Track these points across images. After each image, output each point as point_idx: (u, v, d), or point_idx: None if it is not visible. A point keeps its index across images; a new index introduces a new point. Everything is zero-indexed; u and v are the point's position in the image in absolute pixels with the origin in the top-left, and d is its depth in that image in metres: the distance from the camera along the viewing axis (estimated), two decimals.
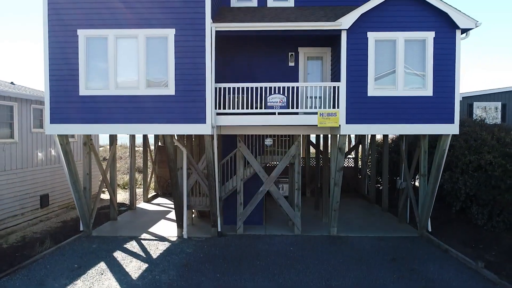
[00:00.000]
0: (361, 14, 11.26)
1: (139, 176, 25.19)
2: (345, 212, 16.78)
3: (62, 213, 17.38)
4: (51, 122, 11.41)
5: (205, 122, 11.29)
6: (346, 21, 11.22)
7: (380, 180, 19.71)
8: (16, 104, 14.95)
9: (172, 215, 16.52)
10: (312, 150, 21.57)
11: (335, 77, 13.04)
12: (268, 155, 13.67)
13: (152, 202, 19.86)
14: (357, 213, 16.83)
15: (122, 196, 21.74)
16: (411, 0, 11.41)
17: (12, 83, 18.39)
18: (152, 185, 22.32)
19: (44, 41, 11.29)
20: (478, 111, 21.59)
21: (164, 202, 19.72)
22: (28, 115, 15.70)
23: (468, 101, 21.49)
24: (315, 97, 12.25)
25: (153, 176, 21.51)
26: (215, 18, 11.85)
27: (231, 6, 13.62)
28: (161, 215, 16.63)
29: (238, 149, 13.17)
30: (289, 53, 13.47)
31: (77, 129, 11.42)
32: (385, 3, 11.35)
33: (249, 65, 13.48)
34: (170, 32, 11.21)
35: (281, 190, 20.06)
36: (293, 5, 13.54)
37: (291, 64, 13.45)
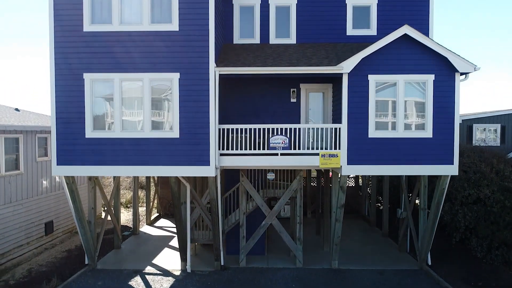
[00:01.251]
0: (362, 58, 11.45)
1: (141, 193, 25.43)
2: (345, 237, 16.99)
3: (66, 238, 17.61)
4: (58, 164, 11.62)
5: (209, 165, 11.50)
6: (347, 65, 11.42)
7: (381, 199, 19.94)
8: (21, 135, 15.16)
9: (175, 241, 16.74)
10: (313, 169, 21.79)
11: (336, 113, 13.25)
12: (270, 189, 13.87)
13: (155, 224, 20.08)
14: (357, 239, 17.03)
15: (125, 216, 21.98)
16: (411, 45, 11.59)
17: (16, 109, 18.60)
18: (155, 203, 22.55)
19: (51, 84, 11.49)
20: (478, 132, 21.81)
21: (167, 225, 19.94)
22: (33, 145, 15.91)
23: (468, 123, 21.71)
24: (317, 138, 12.43)
25: (156, 197, 21.74)
26: (219, 59, 12.06)
27: (234, 43, 13.80)
28: (165, 241, 16.85)
29: (241, 183, 13.39)
30: (291, 89, 13.68)
31: (83, 171, 11.62)
32: (386, 47, 11.55)
33: (251, 100, 13.69)
34: (175, 76, 11.41)
35: (283, 212, 20.36)
36: (295, 42, 13.72)
37: (293, 100, 13.66)
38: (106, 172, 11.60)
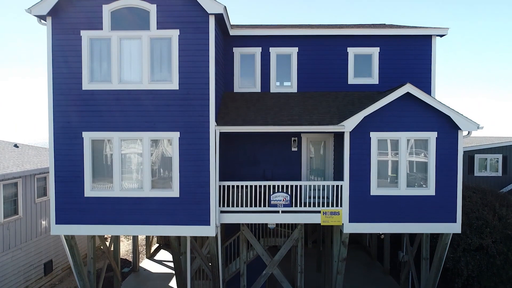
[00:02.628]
0: (365, 117, 11.32)
1: None
2: (346, 272, 16.83)
3: (65, 276, 17.51)
4: (56, 223, 11.51)
5: (209, 224, 11.38)
6: (349, 125, 11.30)
7: None
8: (20, 179, 15.05)
9: (175, 282, 16.62)
10: None
11: (338, 163, 13.14)
12: (271, 237, 13.78)
13: (155, 258, 19.97)
14: (358, 275, 16.90)
15: (125, 246, 21.87)
16: (414, 102, 11.47)
17: (15, 145, 18.48)
18: None
19: (50, 142, 11.37)
20: (479, 163, 21.68)
21: (167, 258, 19.82)
22: (32, 187, 15.80)
23: (469, 153, 21.59)
24: (318, 195, 12.30)
25: None
26: (219, 114, 11.94)
27: (234, 91, 13.67)
28: (165, 281, 16.74)
29: (242, 232, 13.28)
30: (292, 138, 13.56)
31: (83, 230, 11.51)
32: (388, 105, 11.42)
33: (252, 149, 13.58)
34: (175, 135, 11.29)
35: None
36: (296, 91, 13.60)
37: (294, 149, 13.55)
38: (105, 231, 11.48)
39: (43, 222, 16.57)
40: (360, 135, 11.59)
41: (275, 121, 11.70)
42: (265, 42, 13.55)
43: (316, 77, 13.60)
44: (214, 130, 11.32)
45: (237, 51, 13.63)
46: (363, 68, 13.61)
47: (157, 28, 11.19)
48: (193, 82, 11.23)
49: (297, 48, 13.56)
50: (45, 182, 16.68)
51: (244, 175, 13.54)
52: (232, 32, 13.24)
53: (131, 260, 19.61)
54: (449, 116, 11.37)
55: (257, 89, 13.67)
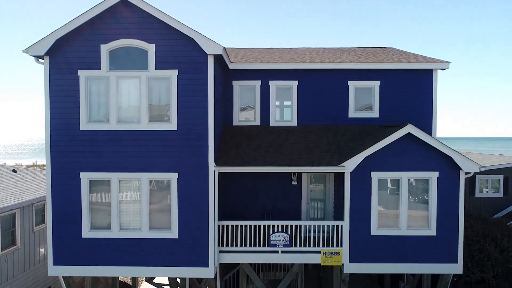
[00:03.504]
0: (365, 157, 11.21)
1: None
2: None
3: None
4: (54, 264, 11.40)
5: (208, 266, 11.27)
6: (349, 165, 11.18)
7: None
8: (18, 210, 14.92)
9: None
10: None
11: (338, 199, 13.05)
12: (271, 271, 13.67)
13: (154, 281, 19.83)
14: None
15: None
16: (415, 143, 11.36)
17: (14, 170, 18.37)
18: None
19: (48, 183, 11.26)
20: (481, 184, 21.56)
21: (166, 282, 19.68)
22: (30, 216, 15.67)
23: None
24: (318, 230, 12.18)
25: None
26: (218, 153, 11.82)
27: (234, 124, 13.54)
28: None
29: (241, 266, 13.17)
30: (292, 172, 13.43)
31: (80, 271, 11.41)
32: (389, 145, 11.30)
33: (252, 183, 13.44)
34: (173, 176, 11.18)
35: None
36: (296, 124, 13.47)
37: (294, 183, 13.41)
38: (103, 272, 11.39)
39: (41, 250, 16.44)
40: (361, 175, 11.47)
41: (275, 160, 11.59)
42: (265, 75, 13.42)
43: (316, 110, 13.47)
44: (213, 171, 11.20)
45: (237, 84, 13.51)
46: (363, 101, 13.48)
47: (156, 68, 11.07)
48: (192, 122, 11.11)
49: (297, 81, 13.43)
50: (43, 209, 16.55)
51: (244, 209, 13.42)
52: (232, 66, 13.11)
53: (130, 283, 19.49)
54: (450, 157, 11.25)
55: (257, 122, 13.54)
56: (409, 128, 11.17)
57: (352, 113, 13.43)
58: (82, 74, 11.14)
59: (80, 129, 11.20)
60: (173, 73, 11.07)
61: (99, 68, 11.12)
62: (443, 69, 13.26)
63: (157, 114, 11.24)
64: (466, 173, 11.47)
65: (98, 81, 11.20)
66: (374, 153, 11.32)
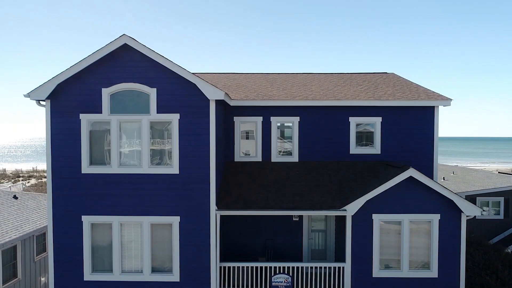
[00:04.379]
0: (367, 201, 11.21)
1: None
2: None
3: None
4: None
5: None
6: (351, 209, 11.18)
7: None
8: (19, 242, 14.92)
9: None
10: None
11: (339, 235, 13.05)
12: None
13: None
14: None
15: None
16: (416, 186, 11.35)
17: (15, 197, 18.36)
18: None
19: (49, 226, 11.26)
20: (481, 205, 21.57)
21: None
22: (31, 247, 15.68)
23: (471, 196, 21.46)
24: (320, 275, 12.18)
25: None
26: (219, 194, 11.81)
27: (235, 160, 13.54)
28: None
29: None
30: None
31: None
32: (391, 188, 11.29)
33: (253, 218, 13.42)
34: (175, 220, 11.18)
35: None
36: (297, 160, 13.47)
37: (295, 219, 13.41)
38: None
39: (42, 279, 16.45)
40: (362, 218, 11.46)
41: (277, 202, 11.59)
42: (266, 111, 13.42)
43: (317, 146, 13.46)
44: (215, 214, 11.20)
45: (238, 120, 13.50)
46: (365, 137, 13.48)
47: (157, 112, 11.07)
48: (194, 166, 11.11)
49: (298, 117, 13.43)
50: (44, 237, 16.56)
51: (245, 245, 13.42)
52: (233, 103, 13.11)
53: None
54: (452, 200, 11.25)
55: (258, 158, 13.53)
56: (411, 172, 11.17)
57: (353, 149, 13.43)
58: (84, 117, 11.13)
59: (82, 172, 11.19)
60: (175, 117, 11.07)
61: (100, 112, 11.11)
62: (445, 106, 13.25)
63: (159, 158, 11.24)
64: (467, 216, 11.47)
65: (99, 124, 11.19)
66: (377, 198, 11.31)
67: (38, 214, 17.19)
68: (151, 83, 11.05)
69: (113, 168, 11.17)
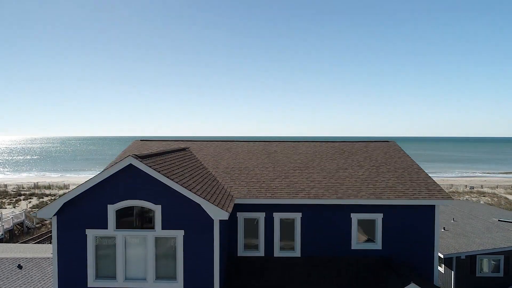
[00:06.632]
0: None
1: None
2: None
3: None
4: None
5: None
6: None
7: None
8: None
9: None
10: None
11: None
12: None
13: None
14: None
15: None
16: None
17: (19, 266, 18.51)
18: None
19: None
20: (481, 263, 21.75)
21: None
22: None
23: (472, 255, 21.62)
24: None
25: None
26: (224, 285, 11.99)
27: (238, 255, 13.70)
28: None
29: None
30: None
31: None
32: None
33: None
34: None
35: None
36: (299, 255, 13.63)
37: None
38: None
39: None
40: None
41: None
42: (269, 208, 13.59)
43: (319, 241, 13.62)
44: None
45: (241, 216, 13.67)
46: (366, 233, 13.65)
47: (162, 228, 11.25)
48: (198, 277, 11.28)
49: (301, 213, 13.60)
50: None
51: None
52: (236, 201, 13.28)
53: None
54: None
55: (261, 253, 13.69)
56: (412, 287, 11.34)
57: (354, 245, 13.59)
58: (90, 232, 11.31)
59: (88, 286, 11.37)
60: (179, 233, 11.25)
61: (106, 227, 11.30)
62: (445, 205, 13.39)
63: (164, 272, 11.41)
64: None
65: (105, 239, 11.37)
66: None
67: (43, 285, 17.33)
68: (156, 201, 11.23)
69: (119, 282, 11.35)
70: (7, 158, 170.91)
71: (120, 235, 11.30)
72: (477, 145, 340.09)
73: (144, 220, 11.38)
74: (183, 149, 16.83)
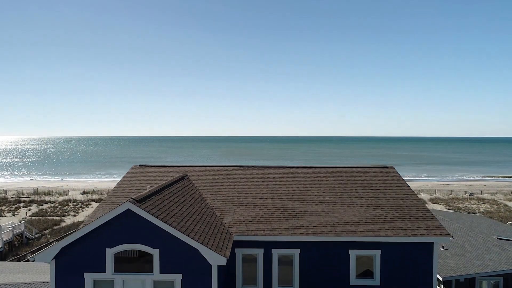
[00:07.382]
0: None
1: None
2: None
3: None
4: None
5: None
6: None
7: None
8: None
9: None
10: None
11: None
12: None
13: None
14: None
15: None
16: None
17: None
18: None
19: None
20: (480, 286, 21.76)
21: None
22: None
23: (471, 277, 21.62)
24: None
25: None
26: None
27: None
28: None
29: None
30: None
31: None
32: None
33: None
34: None
35: None
36: None
37: None
38: None
39: None
40: None
41: None
42: (268, 244, 13.59)
43: (318, 277, 13.62)
44: None
45: (240, 252, 13.67)
46: (365, 269, 13.64)
47: (160, 272, 11.24)
48: None
49: (299, 249, 13.59)
50: None
51: None
52: (235, 238, 13.27)
53: None
54: None
55: (260, 287, 13.69)
56: None
57: (353, 281, 13.60)
58: (88, 276, 11.30)
59: None
60: (178, 277, 11.24)
61: (104, 271, 11.28)
62: (443, 242, 13.39)
63: None
64: None
65: (103, 283, 11.36)
66: None
67: None
68: (154, 244, 11.22)
69: None
70: (6, 161, 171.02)
71: (118, 279, 11.29)
72: (478, 146, 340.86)
73: (142, 264, 11.36)
74: (182, 178, 16.81)
